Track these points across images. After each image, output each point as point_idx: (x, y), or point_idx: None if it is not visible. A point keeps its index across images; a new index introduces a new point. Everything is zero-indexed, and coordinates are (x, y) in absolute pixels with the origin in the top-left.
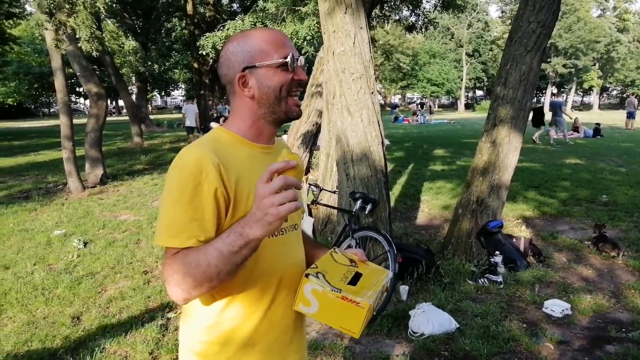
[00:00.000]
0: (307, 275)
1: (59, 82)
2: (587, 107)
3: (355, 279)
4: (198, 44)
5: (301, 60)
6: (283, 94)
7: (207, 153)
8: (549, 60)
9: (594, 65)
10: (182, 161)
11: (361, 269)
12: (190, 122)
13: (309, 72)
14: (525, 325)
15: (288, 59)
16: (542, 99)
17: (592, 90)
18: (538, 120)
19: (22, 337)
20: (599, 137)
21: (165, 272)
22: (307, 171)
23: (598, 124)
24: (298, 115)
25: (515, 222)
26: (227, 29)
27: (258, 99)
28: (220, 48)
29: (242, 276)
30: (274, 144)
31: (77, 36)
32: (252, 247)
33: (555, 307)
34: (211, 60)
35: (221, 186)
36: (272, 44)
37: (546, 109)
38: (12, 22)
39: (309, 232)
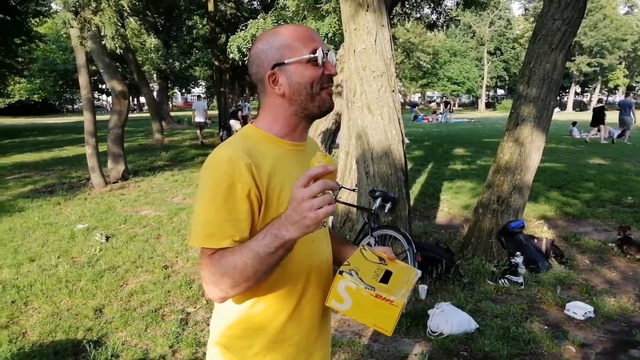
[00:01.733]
0: (341, 272)
1: (83, 79)
2: (612, 106)
3: (386, 277)
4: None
5: (331, 54)
6: (315, 90)
7: (239, 153)
8: (573, 58)
9: (620, 63)
10: (214, 162)
11: (390, 267)
12: (199, 117)
13: None
14: (546, 327)
15: (317, 54)
16: (565, 98)
17: (618, 90)
18: (598, 120)
19: (47, 328)
20: (624, 137)
21: (202, 272)
22: None
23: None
24: (330, 107)
25: (537, 222)
26: (250, 29)
27: (289, 97)
28: (245, 50)
29: (273, 275)
30: (306, 141)
31: (101, 34)
32: (288, 247)
33: (578, 309)
34: (231, 59)
35: (254, 187)
36: (301, 39)
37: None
38: (38, 20)
39: None
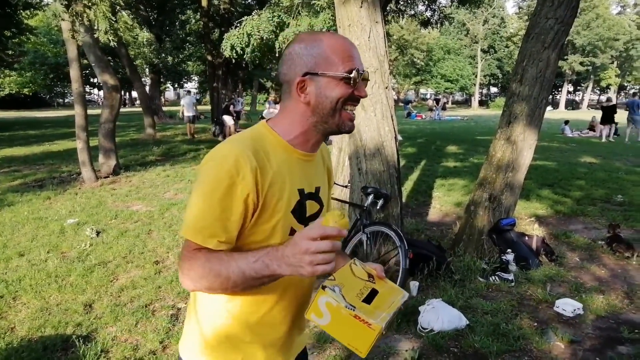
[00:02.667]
0: (324, 288)
1: (74, 72)
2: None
3: (370, 297)
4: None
5: (366, 75)
6: (339, 106)
7: (247, 154)
8: (565, 57)
9: (612, 63)
10: (220, 156)
11: (378, 286)
12: (188, 112)
13: None
14: (536, 323)
15: (353, 74)
16: (558, 97)
17: (610, 89)
18: (608, 118)
19: (36, 323)
20: (616, 136)
21: (182, 262)
22: None
23: (615, 123)
24: (350, 130)
25: (528, 220)
26: (244, 26)
27: (313, 107)
28: (239, 49)
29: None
30: (316, 152)
31: (92, 27)
32: (274, 279)
33: (567, 306)
34: (224, 54)
35: (253, 192)
36: (340, 54)
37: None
38: (29, 13)
39: None
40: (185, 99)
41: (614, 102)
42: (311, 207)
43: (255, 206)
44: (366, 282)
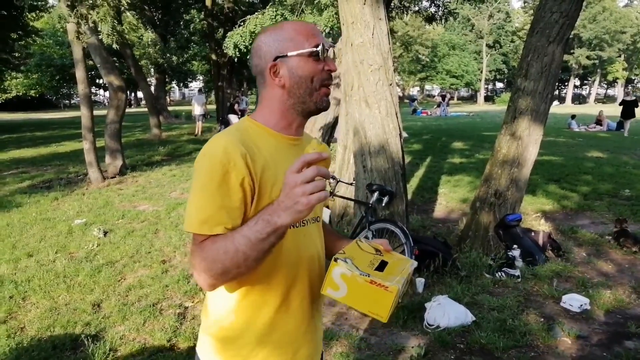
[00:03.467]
0: (335, 260)
1: (80, 74)
2: (611, 99)
3: (381, 266)
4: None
5: (332, 51)
6: (315, 85)
7: (235, 142)
8: (572, 51)
9: (619, 56)
10: (211, 150)
11: (386, 258)
12: (198, 110)
13: None
14: (542, 319)
15: (319, 48)
16: (565, 91)
17: (617, 82)
18: (629, 112)
19: (45, 323)
20: (623, 130)
21: (193, 258)
22: None
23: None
24: (327, 106)
25: (534, 215)
26: (248, 25)
27: (289, 89)
28: (242, 47)
29: (263, 266)
30: (302, 135)
31: (97, 28)
32: (280, 234)
33: (574, 301)
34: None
35: (248, 176)
36: (304, 33)
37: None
38: (34, 15)
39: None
40: (196, 97)
41: (633, 97)
42: None
43: (253, 191)
44: (375, 255)
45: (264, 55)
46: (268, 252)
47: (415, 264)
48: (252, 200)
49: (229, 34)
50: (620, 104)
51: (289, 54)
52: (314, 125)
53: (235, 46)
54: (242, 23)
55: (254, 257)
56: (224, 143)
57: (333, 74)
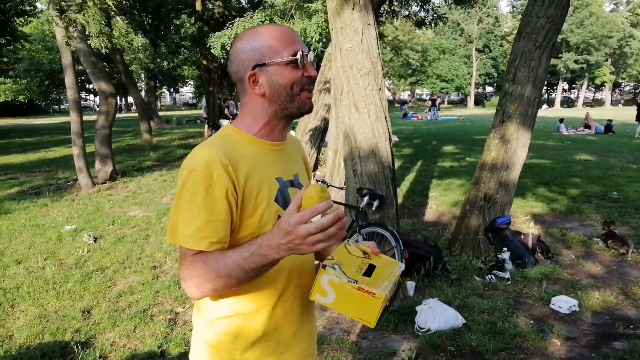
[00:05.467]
0: (324, 267)
1: (69, 79)
2: (599, 103)
3: (369, 271)
4: (207, 41)
5: (310, 56)
6: (295, 91)
7: (216, 153)
8: (560, 55)
9: (606, 60)
10: (192, 162)
11: (374, 261)
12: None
13: (317, 68)
14: (532, 321)
15: (298, 56)
16: (554, 95)
17: (604, 86)
18: None
19: (34, 330)
20: (611, 133)
21: (182, 272)
22: (315, 168)
23: (610, 120)
24: (310, 109)
25: (523, 218)
26: (237, 27)
27: (269, 97)
28: (229, 48)
29: None
30: (286, 140)
31: (86, 33)
32: (275, 264)
33: (563, 303)
34: (219, 58)
35: (231, 187)
36: (281, 40)
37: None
38: (23, 20)
39: None
40: (204, 102)
41: None
42: (293, 194)
43: (236, 200)
44: (362, 258)
45: (242, 63)
46: (261, 275)
47: (403, 266)
48: (237, 209)
49: (216, 34)
50: (637, 106)
51: (267, 62)
52: (305, 129)
53: (223, 47)
54: (230, 26)
55: (247, 280)
56: (206, 156)
57: (323, 77)
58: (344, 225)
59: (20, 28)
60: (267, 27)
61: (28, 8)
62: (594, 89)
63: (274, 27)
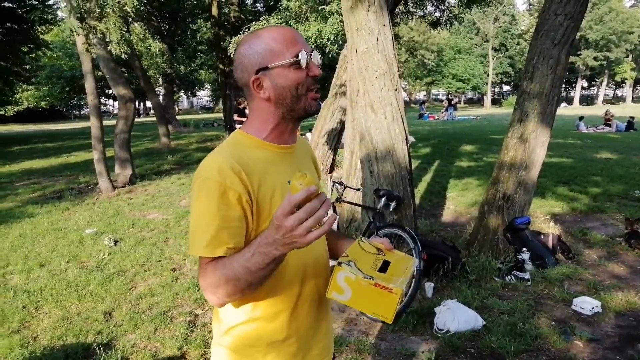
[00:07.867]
0: (339, 264)
1: (89, 85)
2: (619, 100)
3: (384, 267)
4: (223, 45)
5: (314, 55)
6: (301, 92)
7: (228, 160)
8: (579, 53)
9: (627, 57)
10: (205, 170)
11: (388, 257)
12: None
13: (332, 70)
14: (553, 322)
15: (300, 57)
16: (572, 93)
17: (625, 83)
18: None
19: (58, 332)
20: (632, 130)
21: (201, 280)
22: (332, 169)
23: (631, 118)
24: (317, 110)
25: (543, 218)
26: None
27: (275, 100)
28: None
29: (271, 278)
30: (295, 142)
31: (106, 40)
32: (279, 261)
33: (585, 304)
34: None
35: (245, 193)
36: (283, 42)
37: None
38: (44, 28)
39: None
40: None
41: None
42: None
43: (251, 205)
44: (377, 255)
45: (245, 68)
46: (270, 275)
47: (417, 261)
48: (253, 215)
49: (234, 38)
50: None
51: (270, 65)
52: (321, 131)
53: None
54: (246, 30)
55: (257, 282)
56: (218, 163)
57: (339, 79)
58: (328, 207)
59: (41, 36)
60: (268, 29)
61: (49, 16)
62: (614, 86)
63: (275, 28)
